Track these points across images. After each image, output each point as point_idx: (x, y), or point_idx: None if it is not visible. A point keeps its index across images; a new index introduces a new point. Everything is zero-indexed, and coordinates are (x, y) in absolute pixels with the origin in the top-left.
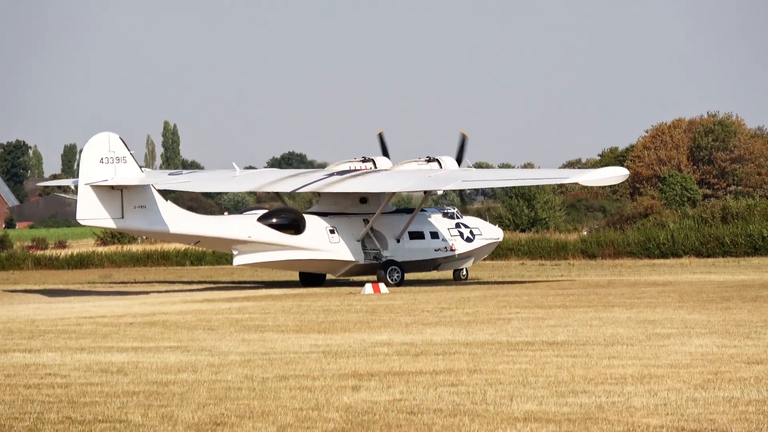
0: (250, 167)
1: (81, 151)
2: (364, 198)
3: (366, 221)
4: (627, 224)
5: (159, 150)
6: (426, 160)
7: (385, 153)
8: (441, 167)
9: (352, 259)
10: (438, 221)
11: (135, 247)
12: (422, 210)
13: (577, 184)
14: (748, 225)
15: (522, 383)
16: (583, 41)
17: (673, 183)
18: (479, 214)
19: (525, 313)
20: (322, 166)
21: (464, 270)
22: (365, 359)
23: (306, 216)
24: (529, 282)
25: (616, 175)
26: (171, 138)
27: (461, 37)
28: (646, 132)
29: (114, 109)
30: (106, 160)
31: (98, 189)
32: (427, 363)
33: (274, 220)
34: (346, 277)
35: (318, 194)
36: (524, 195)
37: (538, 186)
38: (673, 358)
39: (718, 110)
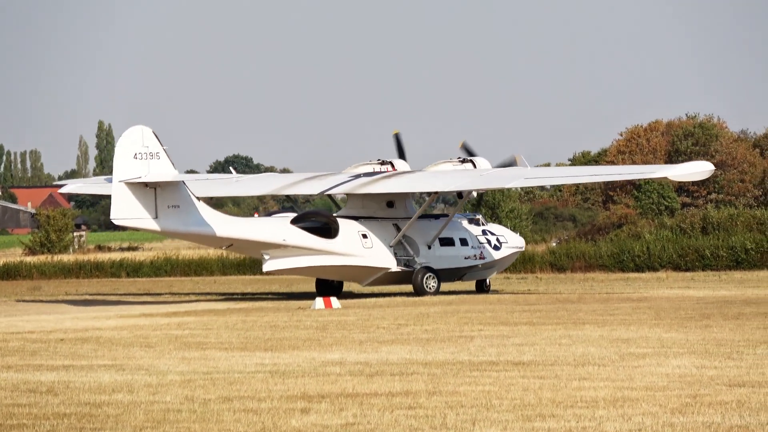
0: (191, 171)
1: (7, 153)
2: (390, 201)
3: (396, 226)
4: (599, 235)
5: (93, 152)
6: (460, 161)
7: (402, 155)
8: (475, 167)
9: (386, 266)
10: (466, 227)
11: (66, 258)
12: (444, 216)
13: (666, 178)
14: (731, 236)
15: (485, 406)
16: (554, 39)
17: (650, 191)
18: None
19: (488, 330)
20: (270, 169)
21: (488, 280)
22: (315, 379)
23: (339, 219)
24: (493, 295)
25: (704, 169)
26: (105, 139)
27: (419, 34)
28: (621, 135)
29: (44, 107)
30: (140, 155)
31: (133, 186)
32: (383, 384)
33: (309, 223)
34: (374, 285)
35: (328, 197)
36: (488, 203)
37: (503, 193)
38: (649, 380)
39: (698, 112)
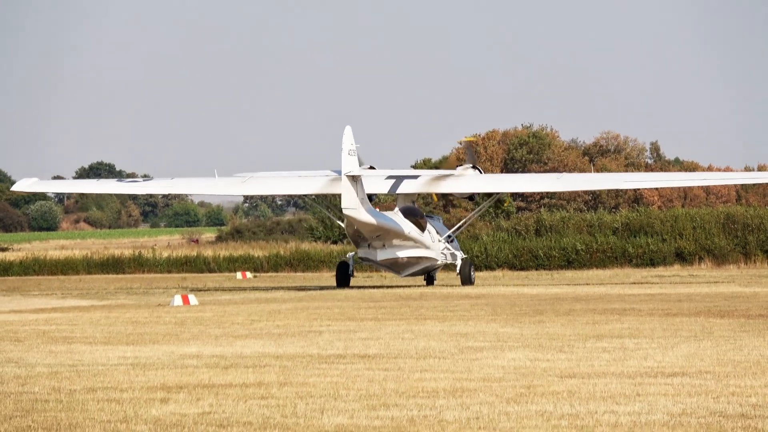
0: (58, 177)
1: None
2: (413, 201)
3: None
4: None
5: None
6: (471, 166)
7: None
8: (481, 173)
9: (437, 257)
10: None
11: None
12: (431, 216)
13: None
14: (562, 238)
15: (333, 396)
16: (399, 50)
17: (487, 195)
18: (290, 226)
19: (336, 325)
20: (132, 175)
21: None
22: (174, 371)
23: None
24: (341, 291)
25: None
26: None
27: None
28: (460, 143)
29: None
30: (351, 152)
31: (351, 179)
32: (237, 375)
33: (417, 217)
34: (411, 276)
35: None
36: (336, 207)
37: None
38: (486, 372)
39: (532, 122)
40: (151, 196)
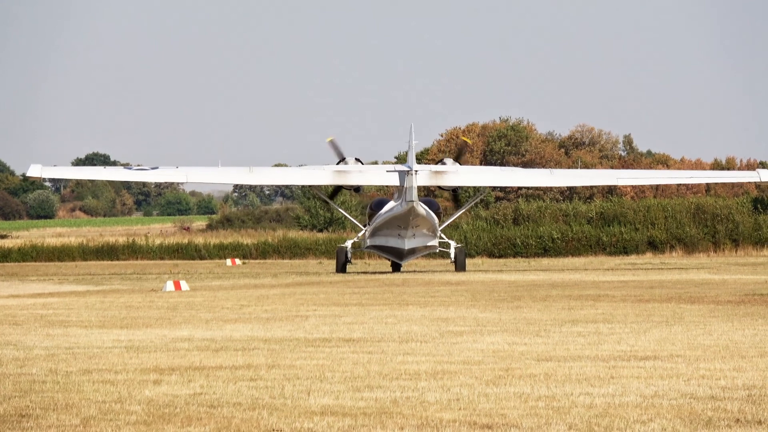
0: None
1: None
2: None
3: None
4: None
5: None
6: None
7: (342, 158)
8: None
9: (436, 245)
10: None
11: None
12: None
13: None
14: (539, 227)
15: (319, 378)
16: (381, 47)
17: (466, 186)
18: (278, 215)
19: (322, 310)
20: (126, 166)
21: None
22: (166, 354)
23: None
24: (326, 278)
25: None
26: None
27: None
28: (441, 136)
29: None
30: (411, 146)
31: (415, 174)
32: (227, 358)
33: (436, 209)
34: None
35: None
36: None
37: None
38: (466, 355)
39: (510, 115)
40: (144, 185)
